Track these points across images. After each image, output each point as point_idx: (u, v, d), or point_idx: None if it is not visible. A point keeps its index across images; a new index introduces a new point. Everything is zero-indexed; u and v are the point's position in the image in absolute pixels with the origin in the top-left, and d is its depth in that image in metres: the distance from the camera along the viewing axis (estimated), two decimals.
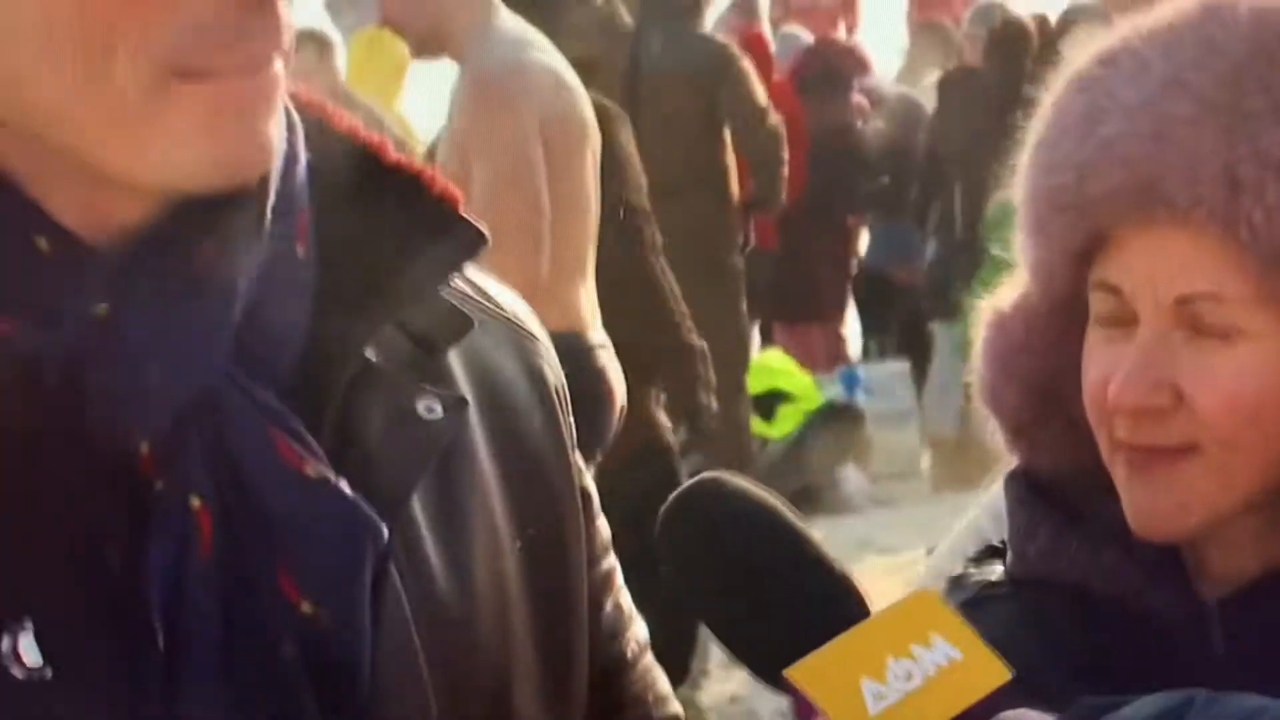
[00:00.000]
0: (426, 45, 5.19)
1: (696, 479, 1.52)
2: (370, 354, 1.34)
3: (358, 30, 8.61)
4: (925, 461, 10.80)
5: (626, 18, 8.19)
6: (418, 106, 8.79)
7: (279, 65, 1.24)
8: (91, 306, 1.22)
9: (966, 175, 9.08)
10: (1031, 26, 9.66)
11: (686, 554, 1.49)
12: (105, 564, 1.22)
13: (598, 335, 5.18)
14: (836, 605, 1.46)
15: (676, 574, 1.50)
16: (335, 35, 8.56)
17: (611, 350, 5.24)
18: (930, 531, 6.87)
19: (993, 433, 1.77)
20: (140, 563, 1.22)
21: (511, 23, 5.04)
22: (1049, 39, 9.18)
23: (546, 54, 5.04)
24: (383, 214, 1.36)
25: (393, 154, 1.39)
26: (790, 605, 1.46)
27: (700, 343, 6.17)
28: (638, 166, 5.94)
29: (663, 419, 6.07)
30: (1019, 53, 9.25)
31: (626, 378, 5.23)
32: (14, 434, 1.21)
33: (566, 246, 4.98)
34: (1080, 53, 1.68)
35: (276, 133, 1.25)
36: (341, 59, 8.57)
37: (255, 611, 1.25)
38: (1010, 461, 1.76)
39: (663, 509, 1.50)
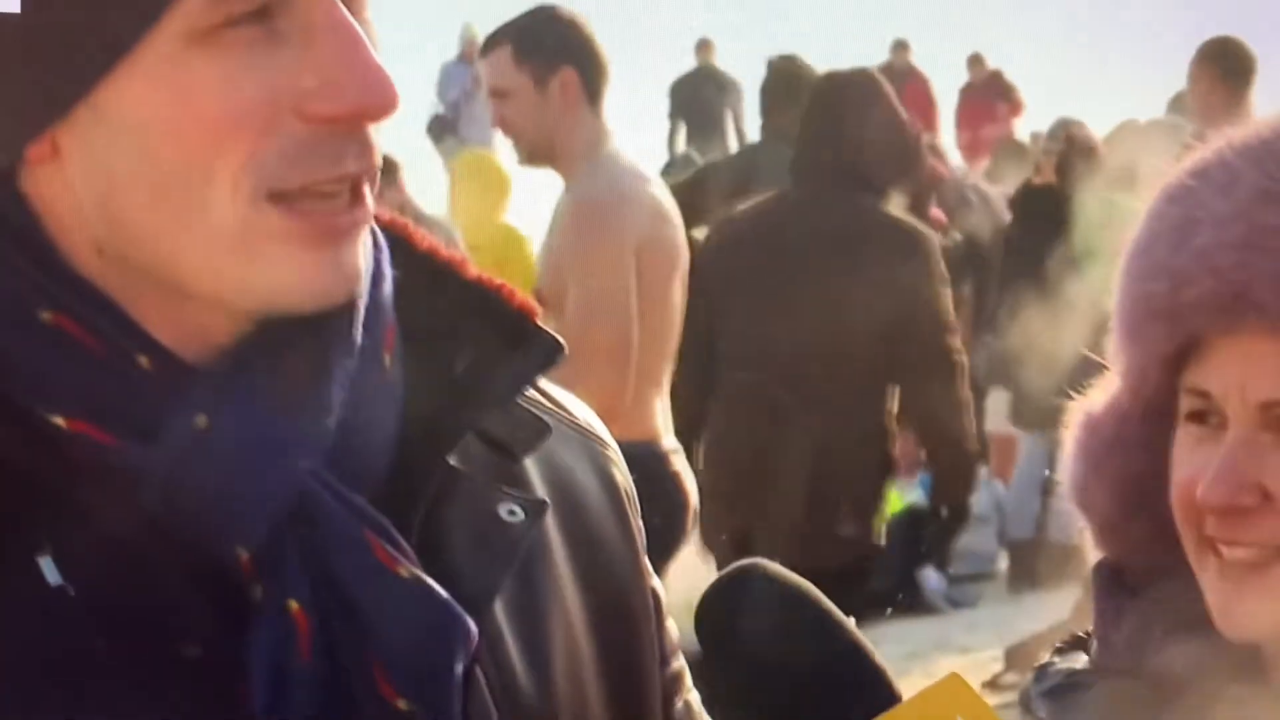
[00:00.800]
0: (536, 156, 5.31)
1: (737, 565, 1.51)
2: (454, 460, 1.36)
3: (458, 151, 8.84)
4: (1003, 563, 10.85)
5: None
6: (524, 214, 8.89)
7: (368, 189, 1.27)
8: (191, 420, 1.24)
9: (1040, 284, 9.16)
10: (1099, 143, 9.75)
11: (724, 639, 1.48)
12: (204, 667, 1.23)
13: (670, 442, 5.30)
14: (869, 691, 1.46)
15: (713, 659, 1.49)
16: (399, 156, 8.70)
17: (683, 456, 5.38)
18: (1007, 632, 6.96)
19: (1077, 532, 1.79)
20: (239, 665, 1.23)
21: (619, 150, 5.19)
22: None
23: (648, 184, 5.18)
24: (464, 327, 1.38)
25: (472, 270, 1.41)
26: (824, 691, 1.46)
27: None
28: None
29: None
30: (1089, 170, 9.33)
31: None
32: (117, 543, 1.23)
33: (648, 363, 5.11)
34: (1174, 167, 1.70)
35: (363, 257, 1.28)
36: (405, 177, 8.78)
37: (354, 710, 1.26)
38: (1090, 562, 1.78)
39: (703, 593, 1.49)
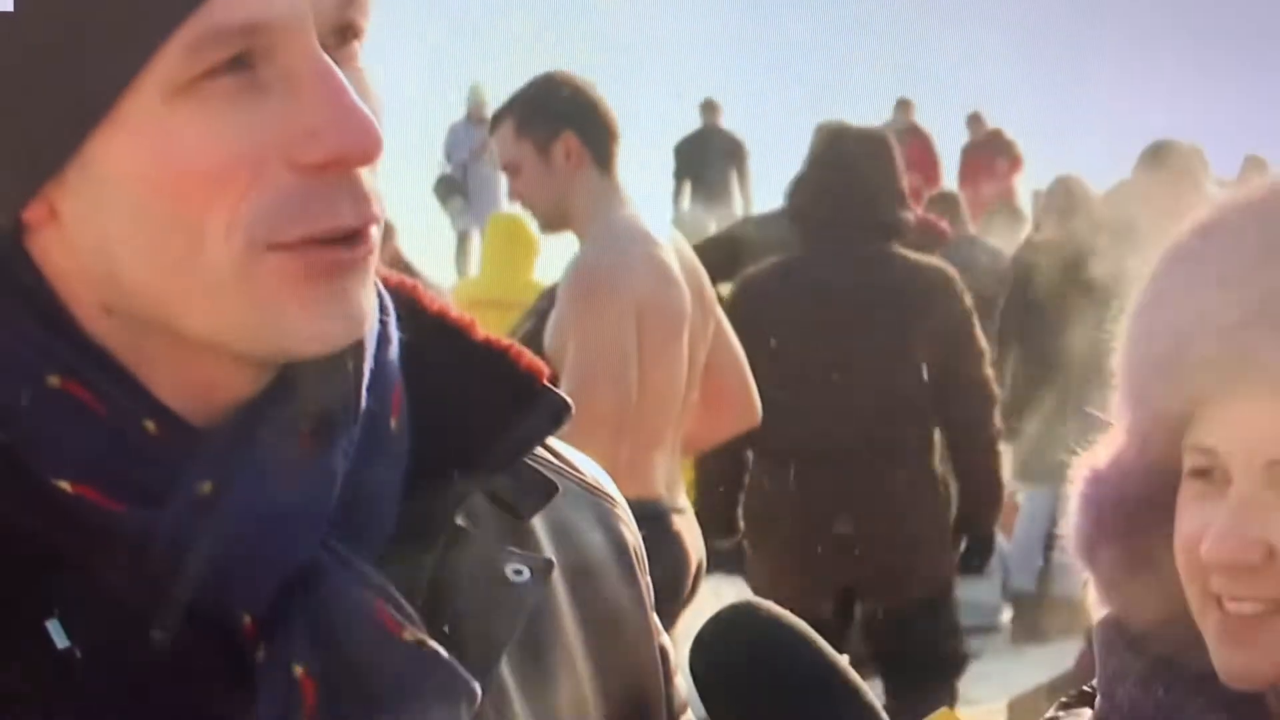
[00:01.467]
0: (552, 223, 5.34)
1: (731, 605, 1.49)
2: (461, 520, 1.35)
3: (466, 213, 8.93)
4: (1006, 616, 10.86)
5: None
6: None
7: (374, 233, 1.25)
8: (196, 486, 1.23)
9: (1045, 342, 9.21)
10: (1097, 200, 9.80)
11: (719, 679, 1.46)
12: None
13: (674, 501, 5.26)
14: None
15: (709, 699, 1.46)
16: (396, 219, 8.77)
17: (690, 514, 5.34)
18: (1010, 685, 6.97)
19: (1080, 586, 1.78)
20: None
21: (630, 212, 5.19)
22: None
23: (655, 246, 5.15)
24: (472, 388, 1.37)
25: (480, 332, 1.39)
26: None
27: None
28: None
29: None
30: (1089, 225, 9.38)
31: None
32: (124, 606, 1.22)
33: (650, 424, 5.09)
34: (1180, 225, 1.70)
35: (369, 301, 1.25)
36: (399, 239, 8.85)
37: None
38: (1093, 615, 1.78)
39: (698, 633, 1.47)
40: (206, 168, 1.19)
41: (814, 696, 1.45)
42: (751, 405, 5.43)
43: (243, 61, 1.20)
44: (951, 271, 6.35)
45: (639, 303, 5.06)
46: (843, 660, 1.48)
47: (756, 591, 6.00)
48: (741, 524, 6.29)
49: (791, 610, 1.48)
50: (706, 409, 5.34)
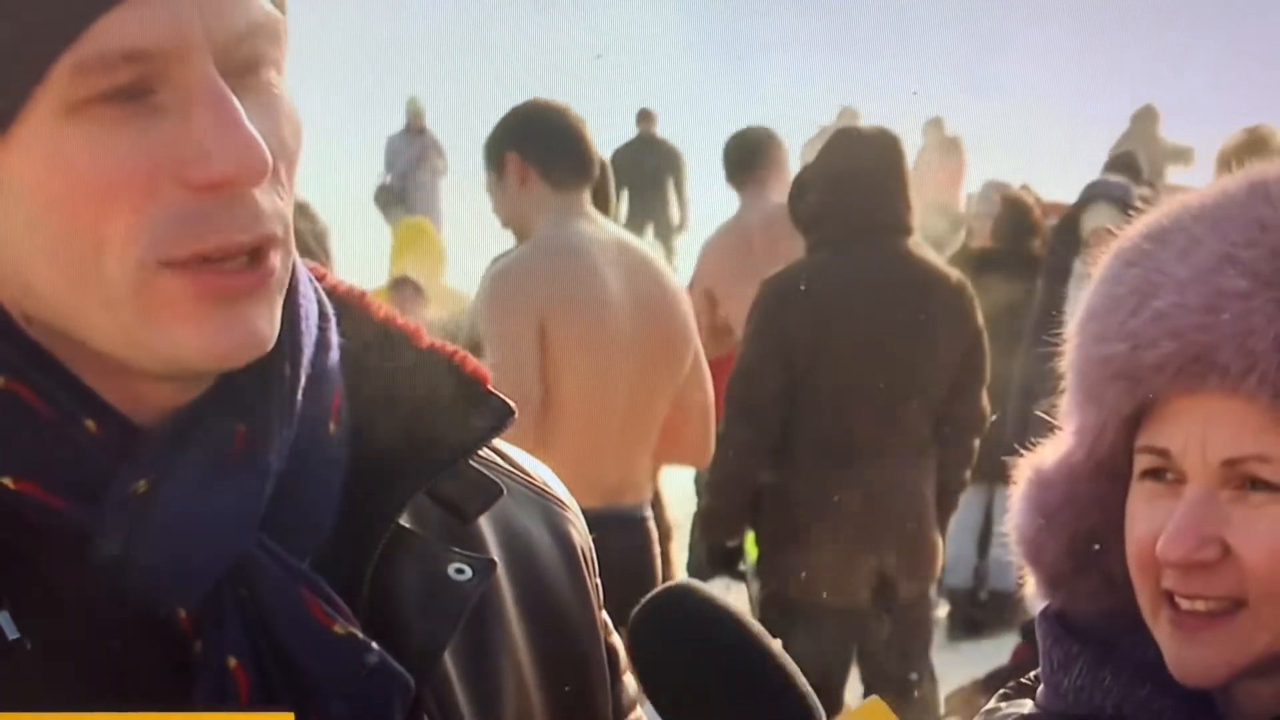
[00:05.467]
0: (519, 239, 5.39)
1: (666, 586, 1.50)
2: (406, 520, 1.38)
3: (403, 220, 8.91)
4: (942, 611, 10.87)
5: None
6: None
7: (274, 256, 1.28)
8: (131, 484, 1.26)
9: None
10: (1033, 204, 9.80)
11: (653, 659, 1.47)
12: None
13: (624, 507, 5.27)
14: (794, 713, 1.46)
15: (643, 678, 1.48)
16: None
17: (651, 521, 5.36)
18: (947, 679, 6.96)
19: (1016, 581, 1.80)
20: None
21: (574, 227, 5.23)
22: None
23: (574, 259, 5.19)
24: (418, 391, 1.40)
25: (426, 337, 1.43)
26: (750, 712, 1.45)
27: None
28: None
29: None
30: (1026, 230, 9.40)
31: None
32: (70, 599, 1.25)
33: (576, 430, 5.11)
34: (1127, 229, 1.71)
35: (270, 321, 1.28)
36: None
37: None
38: (1031, 609, 1.80)
39: (633, 613, 1.48)
40: (97, 183, 1.22)
41: (745, 676, 1.45)
42: (706, 449, 5.49)
43: (140, 87, 1.24)
44: (967, 283, 6.33)
45: (541, 314, 5.10)
46: (775, 642, 1.48)
47: (778, 590, 6.05)
48: (750, 525, 6.27)
49: (831, 601, 1.46)
50: (664, 438, 5.36)
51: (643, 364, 5.23)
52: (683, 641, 1.46)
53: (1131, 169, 9.88)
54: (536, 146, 5.26)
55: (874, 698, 1.46)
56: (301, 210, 6.35)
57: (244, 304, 1.26)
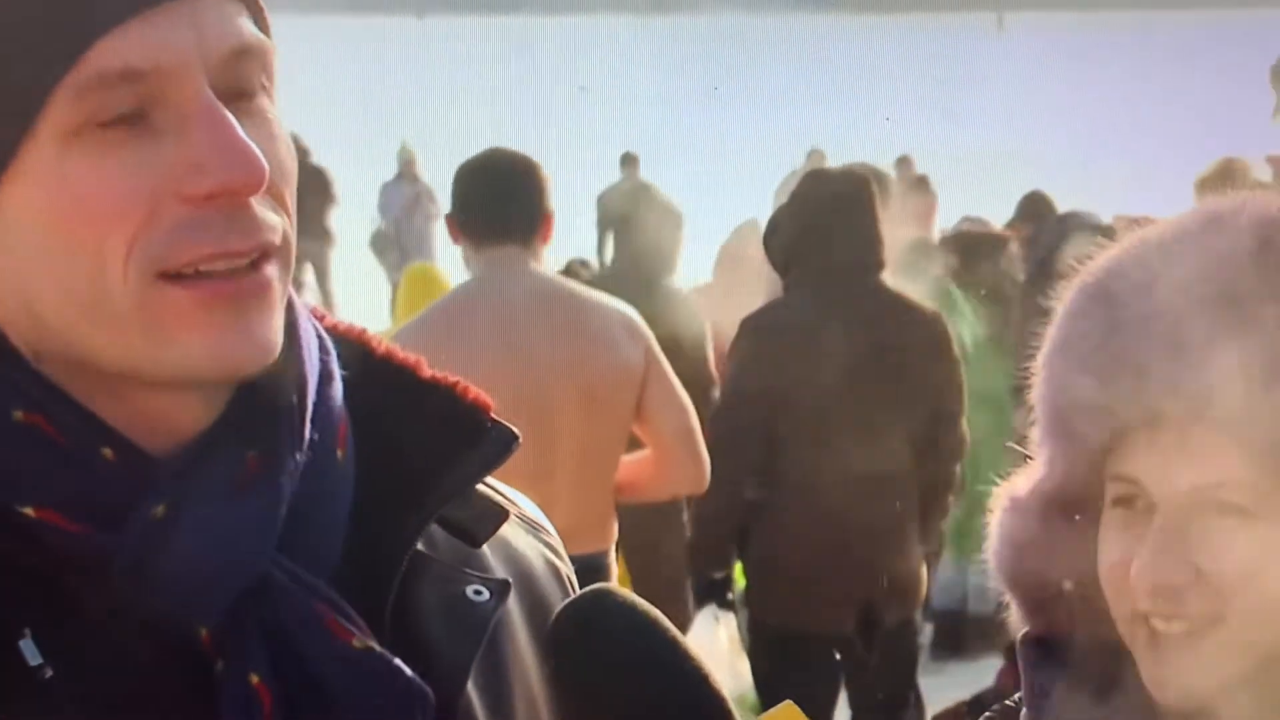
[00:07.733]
0: None
1: (588, 589, 1.49)
2: (421, 545, 1.38)
3: (402, 266, 8.93)
4: (927, 635, 10.88)
5: None
6: None
7: (272, 266, 1.28)
8: (150, 510, 1.26)
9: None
10: (1003, 236, 9.83)
11: (570, 660, 1.45)
12: None
13: (597, 555, 5.22)
14: (709, 716, 1.44)
15: (559, 679, 1.46)
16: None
17: (612, 566, 5.34)
18: (933, 701, 6.97)
19: (998, 604, 1.79)
20: None
21: (476, 277, 5.26)
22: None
23: (454, 304, 5.24)
24: (423, 422, 1.40)
25: (427, 370, 1.44)
26: (663, 714, 1.43)
27: None
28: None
29: None
30: (994, 263, 9.42)
31: None
32: (91, 624, 1.26)
33: (538, 480, 4.92)
34: (1090, 263, 1.71)
35: (273, 329, 1.28)
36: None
37: None
38: (1014, 632, 1.78)
39: (553, 617, 1.46)
40: (101, 205, 1.22)
41: (664, 681, 1.44)
42: (697, 473, 5.42)
43: (139, 111, 1.24)
44: (943, 318, 6.36)
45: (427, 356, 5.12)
46: (694, 648, 1.47)
47: (766, 619, 6.09)
48: (736, 557, 6.30)
49: (818, 629, 1.45)
50: (656, 466, 5.34)
51: (570, 411, 5.19)
52: (606, 645, 1.44)
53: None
54: (458, 206, 5.33)
55: (788, 702, 1.46)
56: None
57: (248, 310, 1.26)
